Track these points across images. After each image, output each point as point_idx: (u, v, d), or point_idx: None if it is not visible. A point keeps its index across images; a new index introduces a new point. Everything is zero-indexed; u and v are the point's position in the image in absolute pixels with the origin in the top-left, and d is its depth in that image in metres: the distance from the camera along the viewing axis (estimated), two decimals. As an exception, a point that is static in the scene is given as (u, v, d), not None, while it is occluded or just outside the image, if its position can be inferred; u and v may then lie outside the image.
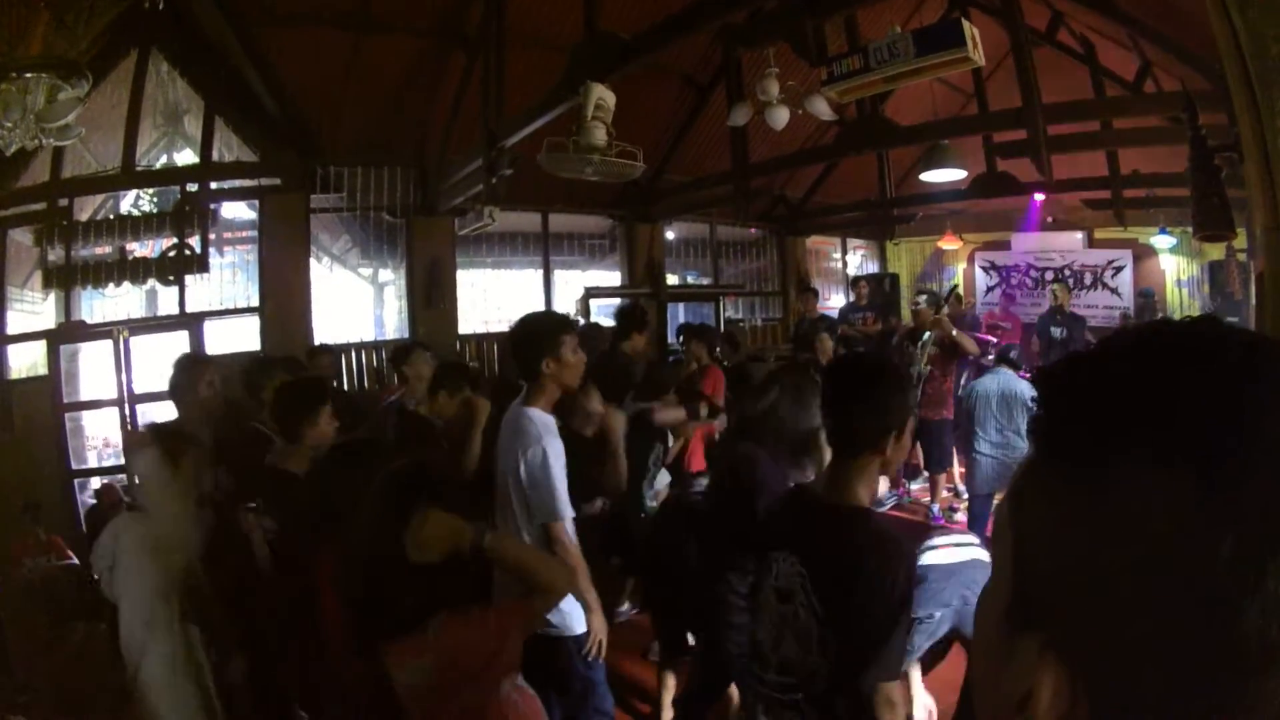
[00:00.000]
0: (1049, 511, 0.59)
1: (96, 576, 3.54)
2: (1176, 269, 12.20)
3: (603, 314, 11.47)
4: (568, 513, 3.36)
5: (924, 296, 7.97)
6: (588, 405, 4.55)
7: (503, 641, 2.31)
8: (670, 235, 12.49)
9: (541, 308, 10.27)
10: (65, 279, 7.69)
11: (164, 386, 7.88)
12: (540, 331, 3.54)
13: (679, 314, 12.45)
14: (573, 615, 3.36)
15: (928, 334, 7.57)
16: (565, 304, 11.00)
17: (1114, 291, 12.61)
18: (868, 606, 2.12)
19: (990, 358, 7.33)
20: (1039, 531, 0.60)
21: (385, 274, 11.04)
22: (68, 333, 7.79)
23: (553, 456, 3.35)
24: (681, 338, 8.16)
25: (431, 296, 9.51)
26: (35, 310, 7.93)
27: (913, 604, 2.38)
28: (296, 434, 3.79)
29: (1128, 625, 0.52)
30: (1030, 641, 0.58)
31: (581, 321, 9.95)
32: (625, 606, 5.96)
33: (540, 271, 11.03)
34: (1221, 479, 0.50)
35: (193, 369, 5.03)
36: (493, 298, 10.96)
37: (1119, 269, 12.56)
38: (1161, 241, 11.50)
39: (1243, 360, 0.56)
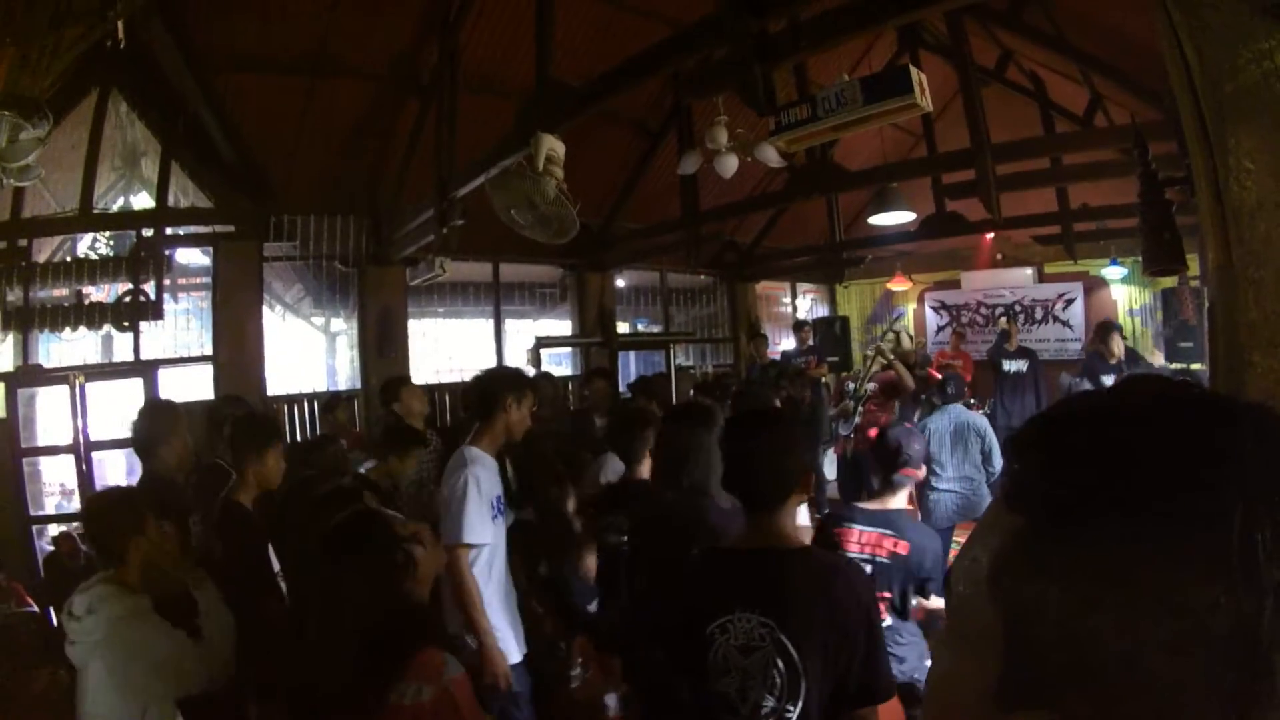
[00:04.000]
0: (1056, 586, 0.55)
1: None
2: (1128, 298, 12.41)
3: (554, 363, 11.48)
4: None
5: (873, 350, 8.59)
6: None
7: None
8: (620, 283, 12.53)
9: (493, 358, 10.46)
10: (23, 321, 7.56)
11: (120, 434, 7.86)
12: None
13: (630, 362, 12.45)
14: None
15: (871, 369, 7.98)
16: (517, 353, 10.97)
17: (1065, 324, 12.78)
18: (849, 631, 2.18)
19: (951, 391, 7.30)
20: (1044, 608, 0.55)
21: (337, 323, 10.91)
22: (25, 376, 7.67)
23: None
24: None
25: (383, 346, 9.45)
26: (-6, 351, 7.78)
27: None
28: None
29: (1164, 699, 0.50)
30: None
31: (534, 371, 9.92)
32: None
33: (492, 321, 11.00)
34: (1258, 536, 0.49)
35: (169, 415, 4.87)
36: (444, 347, 10.87)
37: (1070, 301, 12.75)
38: (1113, 272, 11.71)
39: (1249, 416, 0.55)
